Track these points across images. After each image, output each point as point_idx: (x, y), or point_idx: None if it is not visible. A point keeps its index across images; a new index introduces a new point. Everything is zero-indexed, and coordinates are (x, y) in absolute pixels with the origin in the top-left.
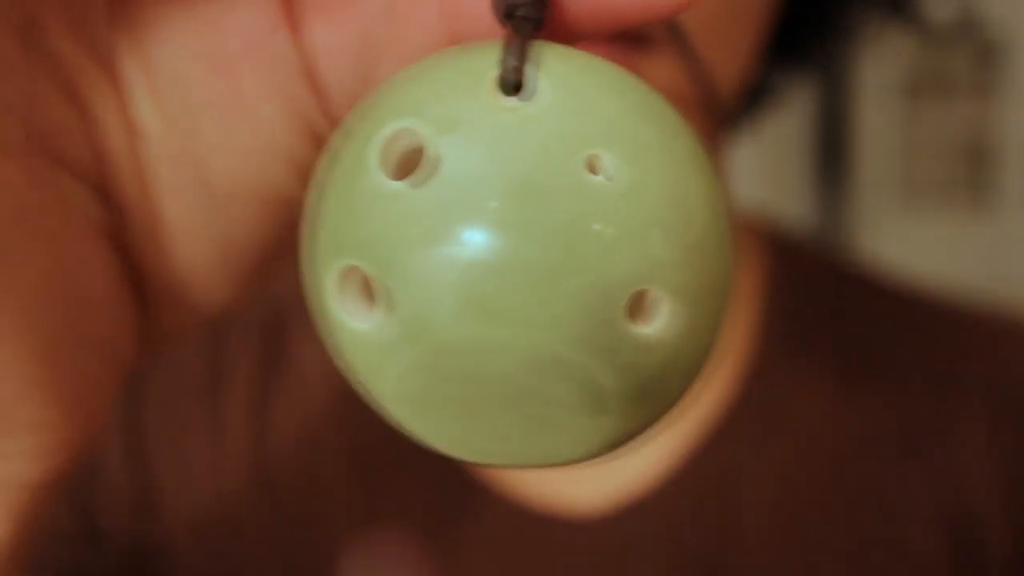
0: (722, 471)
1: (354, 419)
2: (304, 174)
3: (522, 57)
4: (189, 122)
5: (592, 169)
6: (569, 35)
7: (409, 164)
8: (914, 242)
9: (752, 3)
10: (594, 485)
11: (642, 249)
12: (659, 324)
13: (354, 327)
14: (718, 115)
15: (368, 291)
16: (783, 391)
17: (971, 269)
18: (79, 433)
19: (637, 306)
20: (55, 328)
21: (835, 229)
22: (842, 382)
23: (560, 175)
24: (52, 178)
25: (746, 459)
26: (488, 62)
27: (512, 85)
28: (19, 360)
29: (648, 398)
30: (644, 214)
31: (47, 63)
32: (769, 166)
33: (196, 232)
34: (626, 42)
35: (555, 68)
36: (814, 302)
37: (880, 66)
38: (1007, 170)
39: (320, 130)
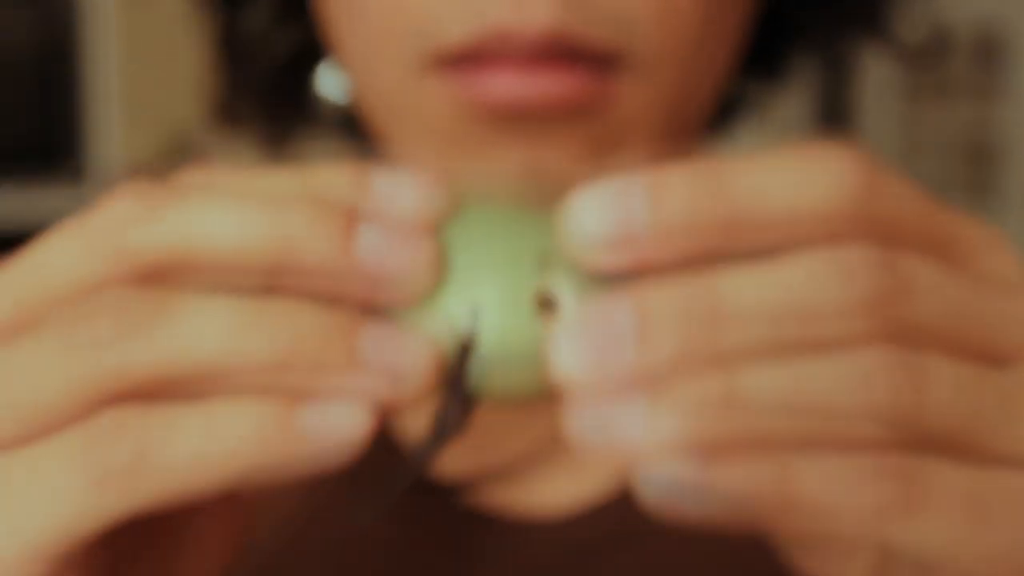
0: None
1: None
2: None
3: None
4: None
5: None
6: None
7: None
8: None
9: (729, 21)
10: (553, 488)
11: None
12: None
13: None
14: (689, 137)
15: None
16: None
17: None
18: None
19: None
20: None
21: None
22: None
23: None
24: None
25: None
26: None
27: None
28: None
29: None
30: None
31: None
32: None
33: None
34: (594, 68)
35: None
36: None
37: (881, 66)
38: (1007, 170)
39: None
